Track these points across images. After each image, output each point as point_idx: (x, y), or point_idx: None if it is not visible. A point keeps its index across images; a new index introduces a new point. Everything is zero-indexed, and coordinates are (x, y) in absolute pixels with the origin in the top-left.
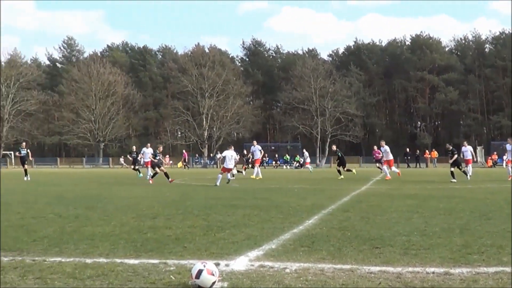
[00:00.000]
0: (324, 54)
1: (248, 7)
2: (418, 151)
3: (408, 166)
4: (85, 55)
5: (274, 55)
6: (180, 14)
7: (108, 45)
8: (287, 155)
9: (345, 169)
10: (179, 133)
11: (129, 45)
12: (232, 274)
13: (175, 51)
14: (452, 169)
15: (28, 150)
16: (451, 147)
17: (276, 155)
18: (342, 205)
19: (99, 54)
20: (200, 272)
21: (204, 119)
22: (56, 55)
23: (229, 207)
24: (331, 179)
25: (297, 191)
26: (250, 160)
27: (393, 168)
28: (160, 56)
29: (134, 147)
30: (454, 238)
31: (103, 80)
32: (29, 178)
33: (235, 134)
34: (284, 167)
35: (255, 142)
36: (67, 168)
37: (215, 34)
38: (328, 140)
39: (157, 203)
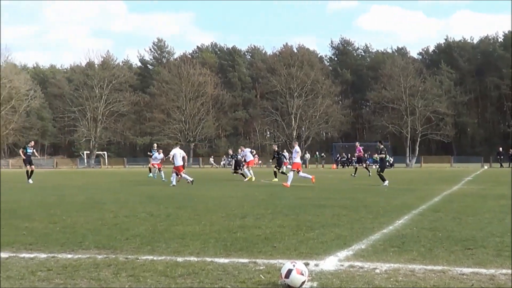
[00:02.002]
0: (413, 53)
1: (337, 6)
2: (511, 150)
3: (501, 165)
4: (175, 56)
5: (363, 54)
6: (269, 15)
7: (197, 46)
8: (376, 155)
9: (280, 170)
10: (268, 133)
11: (218, 46)
12: (321, 274)
13: (263, 51)
14: None
15: (34, 150)
16: None
17: (366, 155)
18: (433, 205)
19: (189, 56)
20: (289, 271)
21: (293, 119)
22: (147, 56)
23: (318, 206)
24: (422, 179)
25: (386, 191)
26: (242, 164)
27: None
28: (249, 57)
29: (230, 150)
30: None
31: (193, 81)
32: (31, 182)
33: (324, 133)
34: (374, 167)
35: (242, 147)
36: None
37: (304, 33)
38: (418, 139)
39: (246, 202)
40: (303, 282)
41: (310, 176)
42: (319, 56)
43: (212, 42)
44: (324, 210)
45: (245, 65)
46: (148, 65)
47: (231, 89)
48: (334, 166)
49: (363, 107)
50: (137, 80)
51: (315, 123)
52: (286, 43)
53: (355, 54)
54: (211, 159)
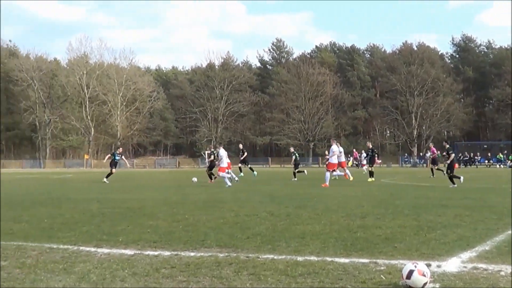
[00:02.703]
0: None
1: (458, 3)
2: None
3: None
4: (294, 56)
5: (485, 50)
6: (388, 13)
7: (316, 46)
8: (500, 154)
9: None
10: (388, 132)
11: (337, 45)
12: (444, 275)
13: (383, 49)
14: None
15: (123, 156)
16: None
17: (489, 154)
18: None
19: (307, 55)
20: (411, 272)
21: (413, 118)
22: (266, 57)
23: (440, 207)
24: None
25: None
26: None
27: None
28: (368, 55)
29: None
30: None
31: (312, 81)
32: (107, 181)
33: (445, 132)
34: (498, 166)
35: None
36: (278, 168)
37: (424, 31)
38: None
39: (366, 202)
40: (425, 284)
41: (342, 174)
42: (439, 53)
43: (330, 41)
44: (446, 210)
45: (364, 63)
46: (267, 66)
47: (350, 88)
48: (456, 165)
49: (486, 105)
50: (257, 81)
51: (436, 122)
52: (406, 41)
53: (477, 51)
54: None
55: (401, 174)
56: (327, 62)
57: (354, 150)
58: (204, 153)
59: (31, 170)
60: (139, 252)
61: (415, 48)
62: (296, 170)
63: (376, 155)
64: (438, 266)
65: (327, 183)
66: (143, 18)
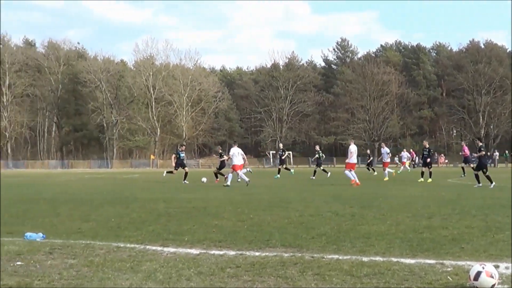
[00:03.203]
0: None
1: None
2: None
3: None
4: (359, 55)
5: None
6: (455, 11)
7: (381, 45)
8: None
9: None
10: (454, 131)
11: (403, 44)
12: None
13: (449, 48)
14: None
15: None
16: None
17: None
18: None
19: (372, 54)
20: (478, 274)
21: (481, 117)
22: (331, 56)
23: (508, 207)
24: None
25: None
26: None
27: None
28: (434, 54)
29: (411, 150)
30: None
31: (377, 80)
32: (187, 182)
33: None
34: None
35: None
36: (343, 168)
37: (491, 29)
38: None
39: (432, 202)
40: (493, 285)
41: (352, 178)
42: (508, 51)
43: (396, 40)
44: None
45: (430, 62)
46: (332, 65)
47: (415, 87)
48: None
49: None
50: (321, 80)
51: (504, 121)
52: (473, 39)
53: None
54: (396, 158)
55: (468, 174)
56: (392, 61)
57: (411, 150)
58: (269, 153)
59: (98, 170)
60: (205, 251)
61: (482, 46)
62: (321, 168)
63: (430, 155)
64: (507, 268)
65: (356, 180)
66: (208, 19)
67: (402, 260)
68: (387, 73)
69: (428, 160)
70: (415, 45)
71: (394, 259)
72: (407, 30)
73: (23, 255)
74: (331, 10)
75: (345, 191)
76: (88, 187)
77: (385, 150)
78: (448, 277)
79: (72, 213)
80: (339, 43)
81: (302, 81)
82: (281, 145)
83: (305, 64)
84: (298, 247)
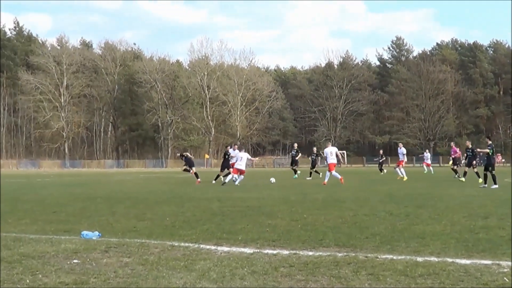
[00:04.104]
0: None
1: None
2: None
3: None
4: (414, 54)
5: None
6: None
7: (437, 43)
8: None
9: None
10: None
11: (459, 42)
12: None
13: (507, 45)
14: None
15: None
16: None
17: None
18: None
19: (428, 53)
20: None
21: None
22: (386, 55)
23: None
24: None
25: None
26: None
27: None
28: (491, 52)
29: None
30: None
31: (432, 79)
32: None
33: None
34: None
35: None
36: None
37: None
38: None
39: (490, 202)
40: None
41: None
42: None
43: (452, 38)
44: None
45: (487, 60)
46: (386, 64)
47: (472, 85)
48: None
49: None
50: (376, 79)
51: None
52: None
53: None
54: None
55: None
56: (448, 59)
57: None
58: (323, 153)
59: (153, 170)
60: (258, 250)
61: None
62: (314, 170)
63: (475, 155)
64: None
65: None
66: (263, 19)
67: (458, 260)
68: (443, 71)
69: (474, 162)
70: (471, 43)
71: (449, 260)
72: (464, 27)
73: (80, 253)
74: (387, 9)
75: (400, 190)
76: (143, 186)
77: (402, 150)
78: (505, 278)
79: (128, 212)
80: (394, 41)
81: (357, 80)
82: (295, 145)
83: (359, 63)
84: (352, 247)
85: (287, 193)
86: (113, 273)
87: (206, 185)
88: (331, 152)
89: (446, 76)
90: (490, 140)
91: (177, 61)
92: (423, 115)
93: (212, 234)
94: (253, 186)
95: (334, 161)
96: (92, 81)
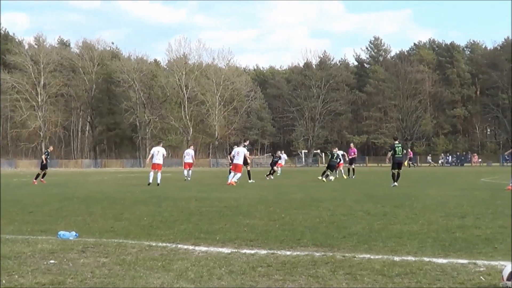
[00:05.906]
0: None
1: None
2: None
3: None
4: (392, 54)
5: None
6: (489, 9)
7: (414, 44)
8: None
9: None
10: (489, 130)
11: (436, 42)
12: None
13: (483, 46)
14: None
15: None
16: None
17: None
18: None
19: (405, 53)
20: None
21: None
22: (364, 55)
23: None
24: None
25: None
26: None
27: None
28: (468, 52)
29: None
30: None
31: (410, 79)
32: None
33: None
34: None
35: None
36: (375, 167)
37: None
38: None
39: (466, 201)
40: None
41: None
42: None
43: (430, 39)
44: None
45: (464, 60)
46: (364, 64)
47: (449, 86)
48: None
49: None
50: (354, 79)
51: None
52: (508, 37)
53: None
54: (429, 157)
55: (502, 174)
56: (425, 59)
57: (409, 149)
58: (301, 152)
59: (131, 169)
60: (236, 250)
61: None
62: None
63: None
64: None
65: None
66: (242, 19)
67: (434, 259)
68: (421, 71)
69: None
70: (449, 44)
71: (426, 259)
72: (442, 28)
73: (56, 253)
74: (365, 9)
75: (377, 190)
76: (121, 186)
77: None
78: (481, 277)
79: (105, 212)
80: (372, 41)
81: (335, 80)
82: (279, 153)
83: (338, 63)
84: (329, 247)
85: (265, 193)
86: (90, 273)
87: (184, 185)
88: (343, 154)
89: (424, 76)
90: (396, 140)
91: (155, 60)
92: (400, 115)
93: (190, 234)
94: (231, 186)
95: (341, 160)
96: (69, 80)
